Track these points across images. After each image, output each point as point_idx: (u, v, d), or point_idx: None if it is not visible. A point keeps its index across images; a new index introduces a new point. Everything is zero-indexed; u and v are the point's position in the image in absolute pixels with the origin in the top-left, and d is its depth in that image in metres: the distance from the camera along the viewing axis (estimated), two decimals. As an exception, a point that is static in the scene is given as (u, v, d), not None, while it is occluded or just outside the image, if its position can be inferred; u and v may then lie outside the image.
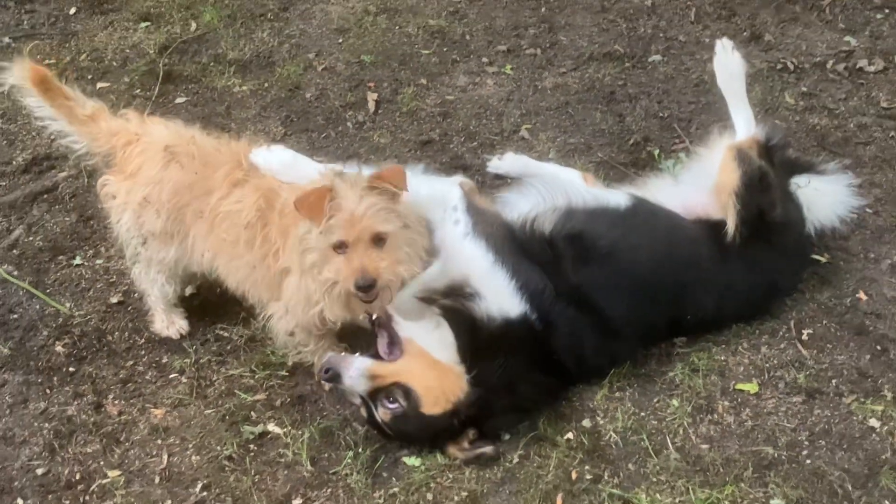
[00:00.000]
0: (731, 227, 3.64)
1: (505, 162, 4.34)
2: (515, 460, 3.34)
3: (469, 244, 3.48)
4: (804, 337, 3.72)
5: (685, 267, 3.67)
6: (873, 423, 3.42)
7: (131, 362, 3.74)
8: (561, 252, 3.54)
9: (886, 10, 5.29)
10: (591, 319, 3.50)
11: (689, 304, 3.67)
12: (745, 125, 3.95)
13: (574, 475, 3.30)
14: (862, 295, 3.86)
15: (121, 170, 3.57)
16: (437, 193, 3.54)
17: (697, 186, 3.87)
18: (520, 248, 3.54)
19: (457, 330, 3.40)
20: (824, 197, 4.02)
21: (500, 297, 3.42)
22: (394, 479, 3.32)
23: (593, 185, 4.13)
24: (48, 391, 3.65)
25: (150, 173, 3.48)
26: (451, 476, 3.31)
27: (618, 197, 3.79)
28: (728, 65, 4.03)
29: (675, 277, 3.64)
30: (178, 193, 3.45)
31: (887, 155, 4.47)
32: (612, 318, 3.52)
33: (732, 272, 3.70)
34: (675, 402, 3.52)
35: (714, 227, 3.71)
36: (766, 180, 3.76)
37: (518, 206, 3.76)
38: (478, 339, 3.40)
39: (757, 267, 3.73)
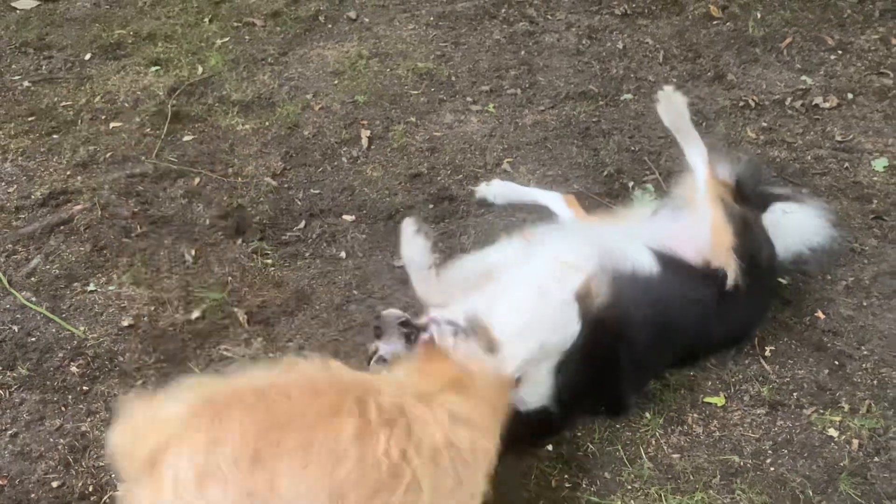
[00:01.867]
0: (731, 279, 3.59)
1: (493, 188, 4.40)
2: (498, 470, 3.31)
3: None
4: (767, 353, 3.72)
5: (700, 323, 3.63)
6: (832, 432, 3.42)
7: (141, 381, 3.70)
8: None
9: (839, 52, 5.31)
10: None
11: (697, 347, 3.69)
12: (699, 159, 3.90)
13: (554, 483, 3.29)
14: (820, 314, 3.86)
15: None
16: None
17: (689, 233, 3.74)
18: None
19: None
20: (800, 224, 4.02)
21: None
22: (386, 488, 3.29)
23: (575, 209, 4.15)
24: (63, 409, 3.62)
25: None
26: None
27: (644, 259, 3.58)
28: (671, 108, 4.00)
29: (691, 335, 3.62)
30: None
31: (841, 184, 4.48)
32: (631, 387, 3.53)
33: (734, 312, 3.67)
34: (647, 414, 3.51)
35: (714, 275, 3.62)
36: (749, 226, 3.74)
37: None
38: None
39: (751, 302, 3.71)
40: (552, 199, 4.27)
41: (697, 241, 3.69)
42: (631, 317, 3.43)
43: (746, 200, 3.88)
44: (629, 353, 3.41)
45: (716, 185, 3.83)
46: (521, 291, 3.36)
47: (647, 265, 3.57)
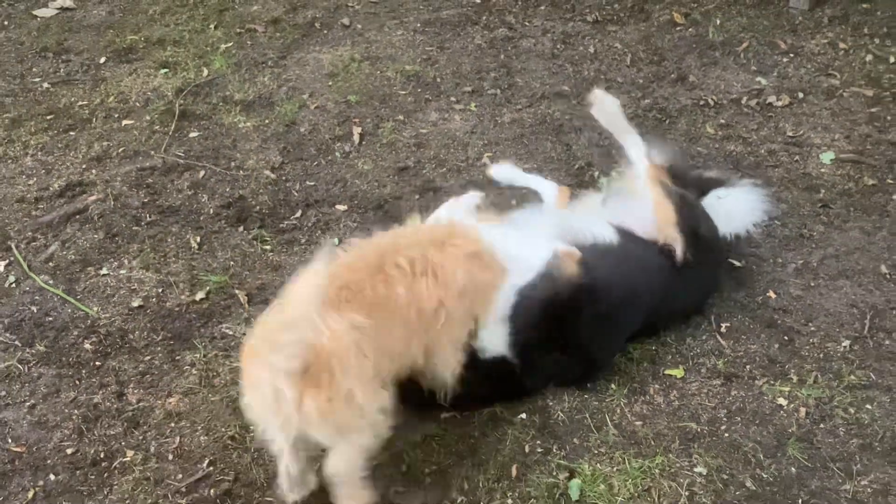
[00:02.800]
0: (680, 253, 3.60)
1: (500, 169, 4.42)
2: (476, 436, 3.32)
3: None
4: (723, 330, 3.72)
5: (659, 289, 3.63)
6: (781, 401, 3.42)
7: (149, 357, 3.69)
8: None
9: (791, 55, 5.31)
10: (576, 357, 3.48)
11: (658, 318, 3.69)
12: (637, 151, 3.88)
13: (527, 449, 3.28)
14: (772, 294, 3.86)
15: None
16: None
17: (637, 215, 3.77)
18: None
19: None
20: (739, 207, 4.02)
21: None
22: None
23: (566, 199, 4.13)
24: (77, 382, 3.61)
25: None
26: (422, 451, 3.29)
27: (605, 232, 3.65)
28: (604, 109, 3.97)
29: (652, 299, 3.60)
30: None
31: (792, 176, 4.48)
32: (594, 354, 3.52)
33: (686, 284, 3.68)
34: (613, 385, 3.50)
35: (664, 248, 3.65)
36: (687, 203, 3.75)
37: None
38: None
39: (700, 274, 3.71)
40: (548, 188, 4.25)
41: (645, 221, 3.72)
42: (593, 279, 3.43)
43: (684, 184, 3.89)
44: (591, 309, 3.42)
45: (655, 171, 3.83)
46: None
47: (608, 237, 3.63)
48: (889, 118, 4.79)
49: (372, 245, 3.20)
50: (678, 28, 5.63)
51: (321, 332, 2.81)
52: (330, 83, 5.31)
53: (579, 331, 3.44)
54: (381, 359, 2.95)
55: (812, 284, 3.90)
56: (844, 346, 3.62)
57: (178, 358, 3.69)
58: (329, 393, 2.79)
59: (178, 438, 3.38)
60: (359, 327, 2.89)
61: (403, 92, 5.20)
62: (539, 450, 3.28)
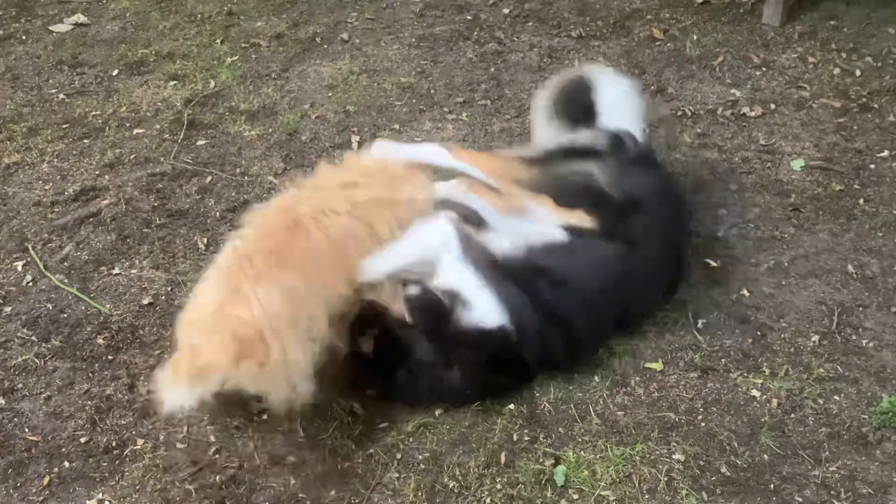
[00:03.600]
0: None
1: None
2: (467, 425, 3.31)
3: (461, 266, 3.37)
4: (699, 325, 3.71)
5: (614, 274, 3.61)
6: (754, 393, 3.42)
7: (158, 351, 3.68)
8: (532, 279, 3.44)
9: (764, 69, 5.31)
10: (561, 330, 3.43)
11: (628, 300, 3.66)
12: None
13: (515, 437, 3.28)
14: (745, 291, 3.86)
15: None
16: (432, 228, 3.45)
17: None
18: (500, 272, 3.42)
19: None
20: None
21: (486, 311, 3.32)
22: (370, 442, 3.28)
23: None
24: (90, 375, 3.59)
25: None
26: (416, 439, 3.28)
27: (556, 232, 3.62)
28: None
29: (610, 283, 3.59)
30: None
31: (765, 182, 4.47)
32: (577, 329, 3.47)
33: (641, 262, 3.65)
34: (596, 377, 3.50)
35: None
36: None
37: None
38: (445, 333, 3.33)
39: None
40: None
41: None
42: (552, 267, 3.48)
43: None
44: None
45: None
46: None
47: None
48: (855, 128, 4.80)
49: (282, 205, 3.42)
50: (657, 43, 5.64)
51: (252, 305, 2.99)
52: (330, 94, 5.30)
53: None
54: (314, 313, 3.12)
55: (783, 283, 3.90)
56: (814, 341, 3.62)
57: (185, 352, 3.68)
58: (262, 359, 2.95)
59: (185, 428, 3.37)
60: (290, 289, 3.06)
61: (399, 103, 5.19)
62: (526, 438, 3.28)
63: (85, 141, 4.95)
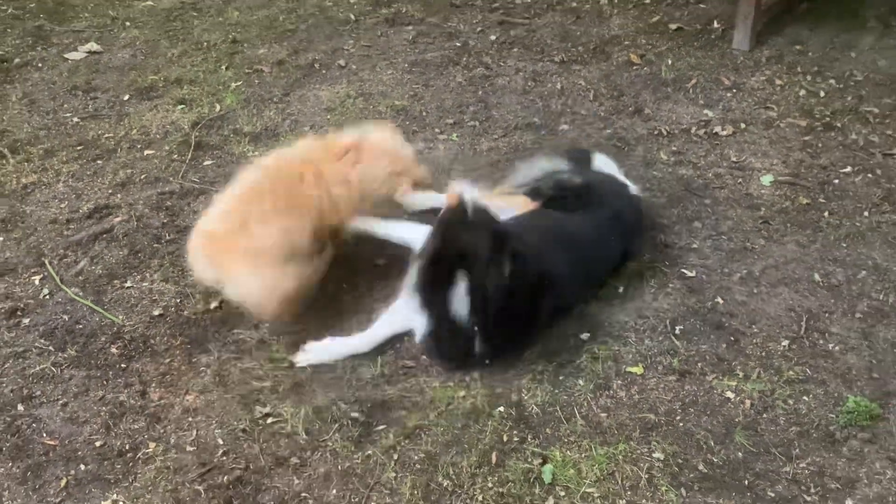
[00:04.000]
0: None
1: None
2: (460, 427, 3.31)
3: None
4: (677, 332, 3.71)
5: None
6: (729, 395, 3.42)
7: (168, 360, 3.67)
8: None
9: (734, 90, 5.34)
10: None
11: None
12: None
13: (505, 438, 3.27)
14: (720, 300, 3.87)
15: None
16: None
17: None
18: None
19: None
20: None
21: None
22: (369, 444, 3.27)
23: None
24: (105, 383, 3.58)
25: None
26: (412, 441, 3.28)
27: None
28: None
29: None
30: None
31: (736, 196, 4.49)
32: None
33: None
34: (581, 381, 3.50)
35: None
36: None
37: None
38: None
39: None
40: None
41: None
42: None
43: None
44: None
45: None
46: None
47: None
48: (820, 145, 4.82)
49: (289, 160, 3.89)
50: (635, 67, 5.66)
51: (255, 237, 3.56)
52: (328, 117, 5.31)
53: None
54: (297, 242, 3.65)
55: (755, 291, 3.91)
56: (784, 346, 3.63)
57: (194, 360, 3.67)
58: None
59: (194, 431, 3.36)
60: (286, 229, 3.60)
61: (393, 124, 5.19)
62: (516, 439, 3.27)
63: (98, 162, 4.94)
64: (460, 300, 3.39)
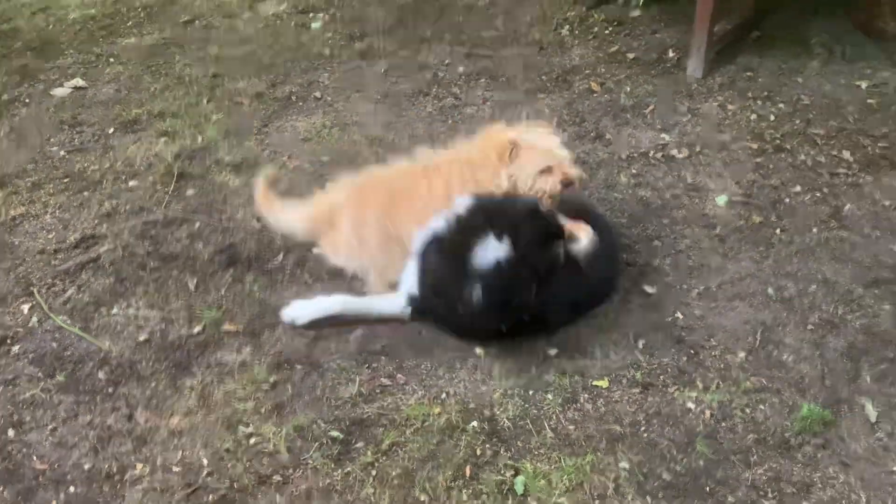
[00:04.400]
0: None
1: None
2: (435, 443, 3.30)
3: None
4: (640, 346, 3.73)
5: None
6: (690, 405, 3.44)
7: (154, 383, 3.64)
8: None
9: (689, 115, 5.38)
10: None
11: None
12: None
13: (478, 452, 3.27)
14: (679, 315, 3.89)
15: None
16: None
17: None
18: None
19: None
20: None
21: None
22: (348, 461, 3.26)
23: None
24: (92, 407, 3.54)
25: None
26: (389, 457, 3.26)
27: None
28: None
29: None
30: None
31: (693, 216, 4.52)
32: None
33: None
34: (550, 395, 3.50)
35: None
36: None
37: None
38: None
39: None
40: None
41: None
42: None
43: None
44: None
45: None
46: None
47: None
48: (771, 166, 4.87)
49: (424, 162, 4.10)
50: (595, 95, 5.70)
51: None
52: (305, 146, 5.30)
53: None
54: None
55: (712, 306, 3.93)
56: (741, 357, 3.65)
57: (179, 383, 3.64)
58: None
59: (180, 453, 3.33)
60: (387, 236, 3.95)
61: (368, 152, 5.20)
62: (489, 452, 3.27)
63: (84, 193, 4.90)
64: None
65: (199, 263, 4.30)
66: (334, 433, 3.35)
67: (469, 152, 3.99)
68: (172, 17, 7.22)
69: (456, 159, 3.97)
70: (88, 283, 4.20)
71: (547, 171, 3.83)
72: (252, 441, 3.35)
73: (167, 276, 4.23)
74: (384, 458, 3.26)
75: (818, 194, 4.65)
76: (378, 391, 3.56)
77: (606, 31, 6.50)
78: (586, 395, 3.51)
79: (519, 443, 3.31)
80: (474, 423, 3.38)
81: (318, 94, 5.91)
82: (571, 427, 3.36)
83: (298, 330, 3.85)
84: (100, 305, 4.07)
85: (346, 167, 4.99)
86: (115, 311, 4.04)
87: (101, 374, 3.70)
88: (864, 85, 5.58)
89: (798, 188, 4.70)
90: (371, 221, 3.97)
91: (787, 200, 4.61)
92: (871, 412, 3.37)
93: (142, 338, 3.88)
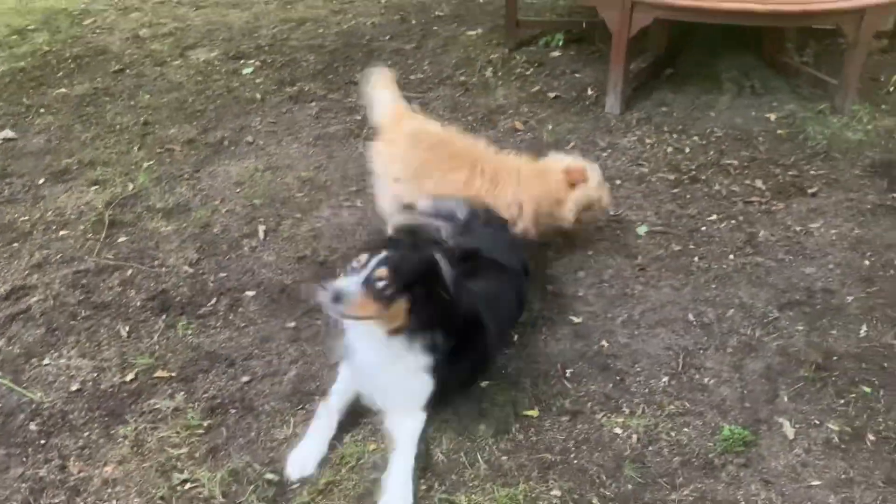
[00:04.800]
0: None
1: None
2: (371, 480, 3.26)
3: None
4: (567, 375, 3.75)
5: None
6: (617, 430, 3.46)
7: (87, 433, 3.54)
8: None
9: (609, 150, 5.48)
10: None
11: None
12: None
13: (413, 487, 3.23)
14: (604, 342, 3.92)
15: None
16: None
17: None
18: None
19: None
20: None
21: None
22: (284, 503, 3.20)
23: None
24: (24, 459, 3.43)
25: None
26: (325, 497, 3.21)
27: None
28: None
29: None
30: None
31: (616, 246, 4.59)
32: None
33: None
34: (482, 427, 3.49)
35: None
36: None
37: None
38: None
39: None
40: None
41: None
42: None
43: None
44: None
45: None
46: None
47: None
48: (688, 196, 4.97)
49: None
50: (519, 133, 5.77)
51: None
52: (238, 190, 5.25)
53: None
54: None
55: (636, 333, 3.98)
56: (664, 382, 3.70)
57: (112, 432, 3.55)
58: None
59: (114, 502, 3.23)
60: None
61: (300, 194, 5.18)
62: (423, 487, 3.24)
63: (14, 244, 4.78)
64: None
65: (132, 310, 4.22)
66: (269, 475, 3.29)
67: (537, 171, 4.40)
68: (103, 67, 7.14)
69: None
70: (19, 335, 4.09)
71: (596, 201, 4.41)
72: (187, 486, 3.27)
73: (99, 325, 4.13)
74: (320, 497, 3.21)
75: (733, 222, 4.76)
76: (313, 431, 3.51)
77: (528, 72, 6.61)
78: (518, 426, 3.50)
79: (453, 476, 3.29)
80: (410, 459, 3.35)
81: (249, 139, 5.88)
82: (504, 458, 3.36)
83: (232, 373, 3.79)
84: (31, 356, 3.96)
85: (279, 209, 5.00)
86: (46, 361, 3.93)
87: (32, 426, 3.58)
88: (772, 116, 5.76)
89: (714, 216, 4.81)
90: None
91: (704, 228, 4.71)
92: (789, 430, 3.44)
93: (74, 387, 3.77)
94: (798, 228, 4.69)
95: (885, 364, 3.75)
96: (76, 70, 7.12)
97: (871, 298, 4.15)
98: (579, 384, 3.70)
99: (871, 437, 3.40)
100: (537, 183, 4.30)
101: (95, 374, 3.84)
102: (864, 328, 3.96)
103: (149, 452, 3.43)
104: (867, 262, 4.40)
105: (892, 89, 6.19)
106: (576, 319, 4.06)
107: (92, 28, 8.05)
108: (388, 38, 7.50)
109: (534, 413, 3.56)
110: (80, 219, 4.99)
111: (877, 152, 5.43)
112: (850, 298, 4.15)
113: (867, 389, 3.62)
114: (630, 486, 3.22)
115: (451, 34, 7.49)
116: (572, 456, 3.35)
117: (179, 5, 8.61)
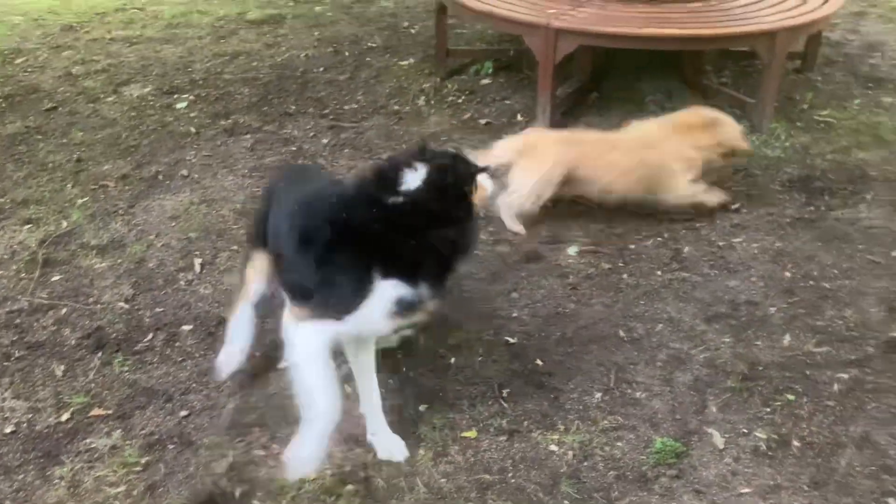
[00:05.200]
0: None
1: None
2: (309, 509, 3.22)
3: None
4: (504, 394, 3.75)
5: None
6: (553, 448, 3.46)
7: (22, 475, 3.42)
8: None
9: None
10: None
11: None
12: None
13: (353, 514, 3.20)
14: (539, 361, 3.94)
15: None
16: None
17: None
18: None
19: None
20: None
21: None
22: (224, 535, 3.14)
23: None
24: (-44, 508, 3.31)
25: None
26: (265, 527, 3.17)
27: None
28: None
29: None
30: None
31: (548, 266, 4.63)
32: None
33: None
34: (421, 451, 3.47)
35: None
36: None
37: None
38: None
39: None
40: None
41: None
42: None
43: None
44: None
45: None
46: None
47: None
48: (616, 216, 5.04)
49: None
50: (452, 159, 5.78)
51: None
52: (173, 224, 5.17)
53: None
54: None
55: (569, 351, 4.00)
56: (598, 398, 3.72)
57: (48, 473, 3.44)
58: None
59: (50, 545, 3.14)
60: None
61: (236, 226, 5.12)
62: (364, 513, 3.21)
63: (-55, 286, 4.64)
64: None
65: (66, 349, 4.11)
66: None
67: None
68: (35, 106, 6.99)
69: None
70: (-50, 379, 3.95)
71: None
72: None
73: (33, 365, 4.01)
74: (261, 529, 3.15)
75: (659, 239, 4.84)
76: (252, 463, 3.45)
77: (460, 100, 6.66)
78: (456, 448, 3.49)
79: (394, 501, 3.25)
80: (350, 487, 3.31)
81: (184, 172, 5.80)
82: (443, 480, 3.33)
83: (170, 408, 3.71)
84: (-38, 400, 3.82)
85: (215, 242, 4.93)
86: (-22, 404, 3.80)
87: (-36, 472, 3.46)
88: (693, 136, 5.86)
89: (641, 234, 4.88)
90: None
91: (633, 247, 4.78)
92: (719, 440, 3.48)
93: (8, 430, 3.65)
94: (721, 244, 4.78)
95: (808, 372, 3.83)
96: (7, 109, 6.96)
97: (793, 308, 4.24)
98: (516, 403, 3.70)
99: (796, 443, 3.46)
100: (703, 136, 4.97)
101: (30, 415, 3.72)
102: (788, 338, 4.04)
103: (85, 493, 3.33)
104: (788, 274, 4.51)
105: (806, 107, 6.38)
106: (511, 340, 4.07)
107: (24, 66, 7.89)
108: (321, 69, 7.50)
109: (472, 434, 3.55)
110: (13, 258, 4.85)
111: (794, 168, 5.58)
112: (772, 309, 4.24)
113: (791, 397, 3.69)
114: (567, 503, 3.22)
115: (384, 65, 7.52)
116: (510, 475, 3.35)
117: (113, 42, 8.49)
